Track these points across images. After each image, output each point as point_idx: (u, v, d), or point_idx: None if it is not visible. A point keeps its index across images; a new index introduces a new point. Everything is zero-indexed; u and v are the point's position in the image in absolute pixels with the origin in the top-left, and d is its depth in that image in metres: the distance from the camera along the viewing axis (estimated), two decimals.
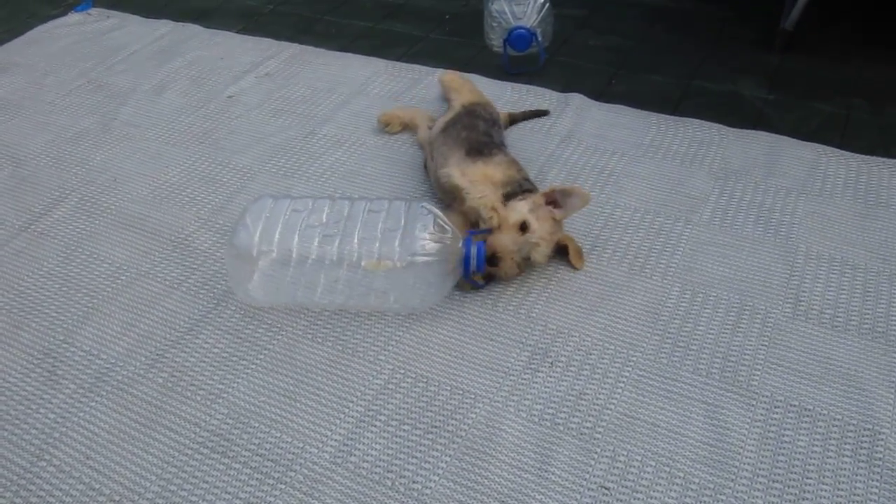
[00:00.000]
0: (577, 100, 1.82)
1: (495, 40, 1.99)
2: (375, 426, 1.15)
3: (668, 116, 1.76)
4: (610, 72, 1.95)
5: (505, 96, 1.86)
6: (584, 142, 1.69)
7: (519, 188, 1.39)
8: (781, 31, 2.00)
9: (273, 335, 1.29)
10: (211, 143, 1.75)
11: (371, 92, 1.91)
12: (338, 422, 1.16)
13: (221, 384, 1.22)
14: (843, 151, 1.64)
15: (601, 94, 1.86)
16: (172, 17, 2.28)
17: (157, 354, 1.27)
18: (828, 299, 1.31)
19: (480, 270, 1.29)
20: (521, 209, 1.33)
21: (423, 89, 1.91)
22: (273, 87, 1.94)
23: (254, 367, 1.24)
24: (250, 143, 1.75)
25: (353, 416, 1.16)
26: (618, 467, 1.08)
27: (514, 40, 1.92)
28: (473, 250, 1.27)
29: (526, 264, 1.35)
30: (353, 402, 1.19)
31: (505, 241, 1.30)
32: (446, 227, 1.26)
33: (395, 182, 1.61)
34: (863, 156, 1.62)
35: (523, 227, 1.31)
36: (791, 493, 1.05)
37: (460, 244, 1.27)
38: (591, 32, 2.14)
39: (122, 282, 1.41)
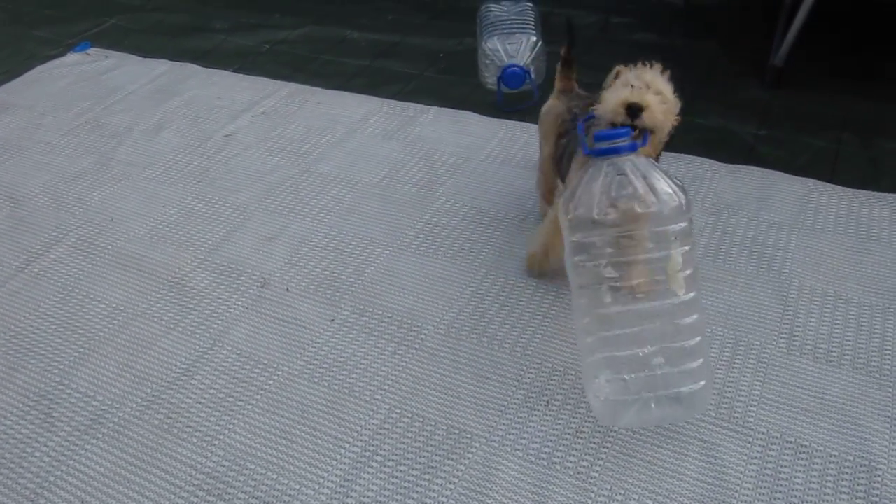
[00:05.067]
0: None
1: (489, 78, 2.02)
2: (372, 466, 1.15)
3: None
4: None
5: (499, 133, 1.88)
6: None
7: None
8: (771, 66, 2.03)
9: (269, 376, 1.29)
10: (208, 182, 1.77)
11: (367, 130, 1.93)
12: (334, 462, 1.16)
13: (218, 425, 1.22)
14: (833, 185, 1.66)
15: None
16: (169, 57, 2.31)
17: (153, 396, 1.27)
18: (821, 334, 1.32)
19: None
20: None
21: (418, 127, 1.93)
22: (269, 126, 1.96)
23: (250, 407, 1.24)
24: (247, 181, 1.76)
25: (349, 457, 1.16)
26: None
27: (508, 78, 1.95)
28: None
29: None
30: (349, 442, 1.18)
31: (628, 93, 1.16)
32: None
33: (391, 220, 1.62)
34: (853, 189, 1.64)
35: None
36: None
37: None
38: (583, 70, 2.15)
39: (119, 322, 1.41)
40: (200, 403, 1.25)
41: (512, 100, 1.99)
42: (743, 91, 2.01)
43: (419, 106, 2.01)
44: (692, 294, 1.11)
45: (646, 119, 1.15)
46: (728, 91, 2.02)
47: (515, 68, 1.94)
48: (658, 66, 1.21)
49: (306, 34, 2.44)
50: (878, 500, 1.08)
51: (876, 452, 1.13)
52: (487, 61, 2.00)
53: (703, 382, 1.12)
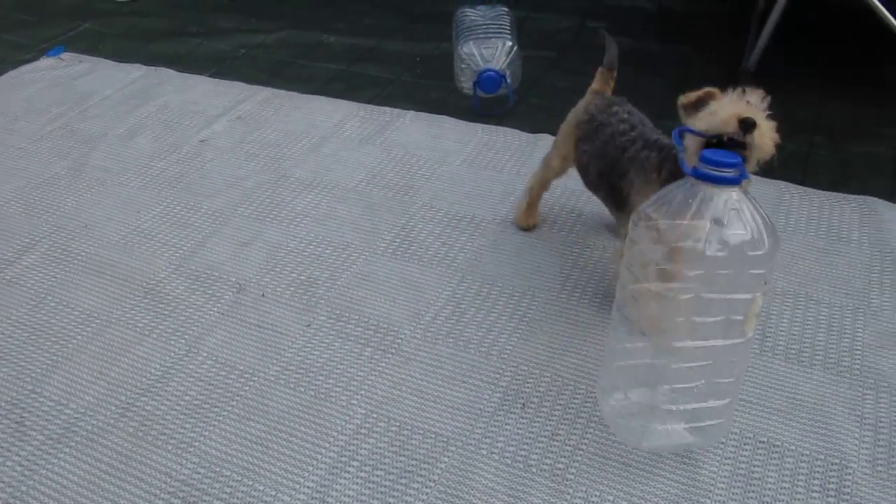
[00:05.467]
0: (546, 141, 1.85)
1: (465, 82, 2.02)
2: (349, 472, 1.15)
3: None
4: None
5: (475, 138, 1.89)
6: (554, 182, 1.71)
7: None
8: (743, 71, 2.05)
9: (245, 382, 1.29)
10: (183, 188, 1.76)
11: (343, 135, 1.93)
12: (311, 468, 1.15)
13: (193, 432, 1.21)
14: (805, 188, 1.68)
15: None
16: (144, 62, 2.30)
17: (128, 403, 1.26)
18: (793, 335, 1.33)
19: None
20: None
21: (394, 132, 1.93)
22: (245, 131, 1.96)
23: (225, 414, 1.24)
24: (222, 186, 1.76)
25: (325, 463, 1.16)
26: None
27: (484, 82, 1.96)
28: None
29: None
30: (325, 447, 1.18)
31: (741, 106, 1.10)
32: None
33: (367, 225, 1.62)
34: (824, 192, 1.66)
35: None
36: None
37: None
38: (559, 74, 2.18)
39: (92, 329, 1.40)
40: (175, 410, 1.25)
41: (488, 104, 2.00)
42: None
43: (396, 110, 2.02)
44: (750, 334, 1.08)
45: (756, 137, 1.07)
46: None
47: (491, 73, 1.95)
48: (760, 92, 1.13)
49: (283, 38, 2.44)
50: (848, 497, 1.09)
51: (847, 451, 1.15)
52: (463, 66, 2.01)
53: (723, 419, 1.12)
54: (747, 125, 1.07)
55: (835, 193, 1.66)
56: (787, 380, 1.26)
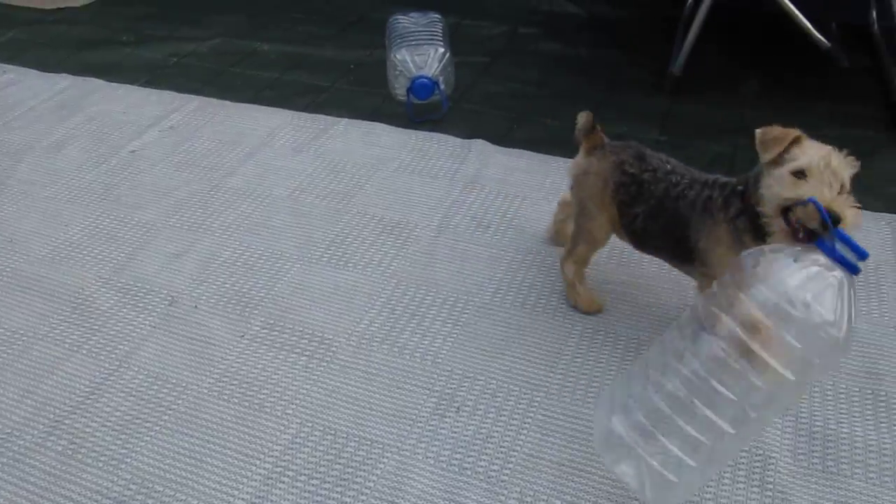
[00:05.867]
0: (479, 146, 1.87)
1: (399, 89, 2.03)
2: (283, 482, 1.14)
3: (567, 159, 1.81)
4: (511, 117, 2.02)
5: (409, 144, 1.90)
6: (488, 187, 1.74)
7: None
8: (670, 75, 2.11)
9: (178, 395, 1.27)
10: (112, 200, 1.73)
11: (277, 143, 1.92)
12: (245, 480, 1.15)
13: (124, 448, 1.19)
14: None
15: (503, 139, 1.92)
16: (73, 72, 2.25)
17: (56, 421, 1.24)
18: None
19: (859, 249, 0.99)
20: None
21: (328, 140, 1.93)
22: (177, 141, 1.93)
23: (157, 429, 1.22)
24: (153, 198, 1.73)
25: (260, 474, 1.15)
26: None
27: (417, 89, 1.97)
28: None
29: None
30: (260, 459, 1.18)
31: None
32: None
33: (301, 234, 1.61)
34: None
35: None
36: None
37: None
38: (492, 80, 2.20)
39: (19, 347, 1.37)
40: (106, 427, 1.23)
41: (422, 110, 2.01)
42: (645, 99, 2.08)
43: (330, 118, 2.01)
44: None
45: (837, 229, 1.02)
46: (631, 99, 2.09)
47: (424, 79, 1.96)
48: (844, 155, 1.09)
49: (215, 47, 2.42)
50: (772, 486, 1.13)
51: (769, 442, 1.19)
52: (396, 72, 2.02)
53: (690, 485, 1.07)
54: (834, 220, 1.01)
55: None
56: None
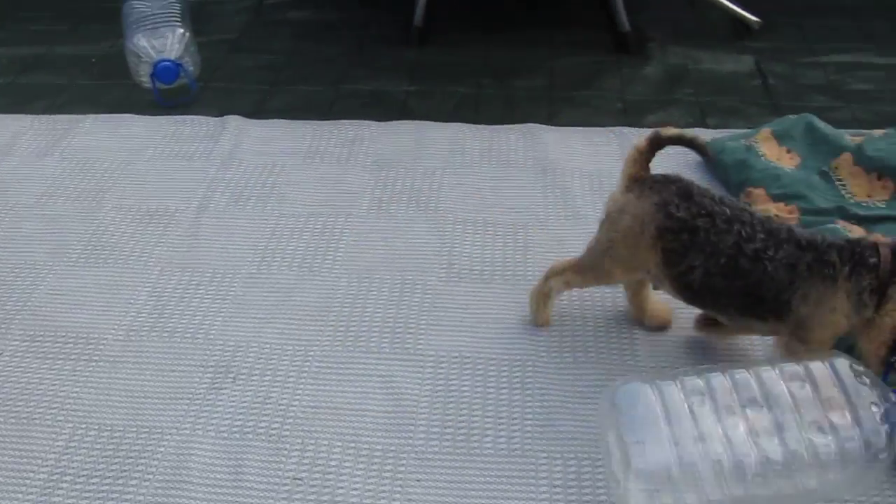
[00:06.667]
0: (234, 121, 1.87)
1: (143, 76, 1.98)
2: (62, 489, 1.11)
3: (321, 122, 1.86)
4: (264, 89, 2.02)
5: (162, 130, 1.86)
6: (245, 160, 1.74)
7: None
8: (415, 28, 2.19)
9: None
10: None
11: (18, 151, 1.81)
12: (20, 496, 1.11)
13: None
14: (477, 125, 1.84)
15: (258, 112, 1.92)
16: None
17: None
18: (475, 258, 1.47)
19: None
20: None
21: (75, 139, 1.84)
22: None
23: None
24: None
25: (36, 485, 1.12)
26: (308, 457, 1.14)
27: (161, 73, 1.92)
28: None
29: None
30: (34, 471, 1.14)
31: None
32: (887, 393, 1.00)
33: (54, 239, 1.55)
34: (493, 126, 1.84)
35: None
36: (462, 433, 1.17)
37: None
38: (242, 55, 2.19)
39: None
40: None
41: (170, 95, 1.97)
42: (393, 53, 2.15)
43: (75, 117, 1.93)
44: None
45: None
46: (379, 55, 2.15)
47: (167, 63, 1.92)
48: None
49: None
50: (530, 388, 1.23)
51: (527, 346, 1.30)
52: (138, 59, 1.96)
53: None
54: None
55: (502, 126, 1.83)
56: (473, 299, 1.39)
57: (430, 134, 1.81)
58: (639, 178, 1.20)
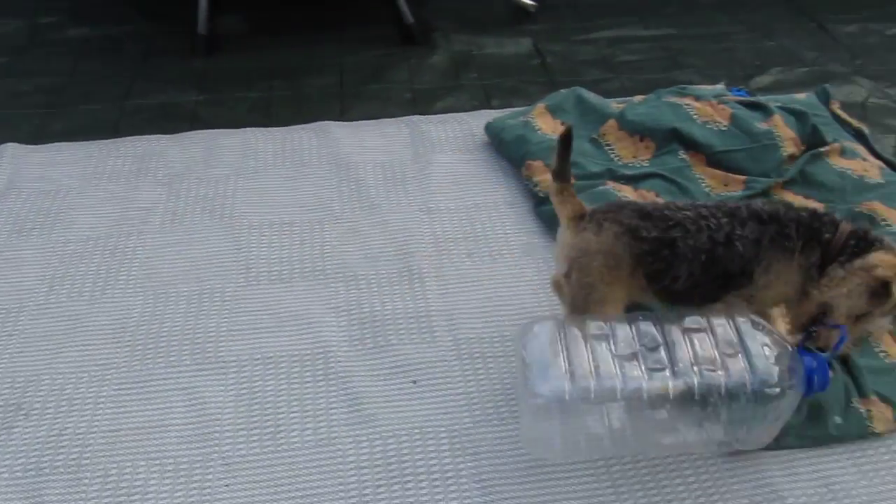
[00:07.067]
0: (10, 149, 1.77)
1: None
2: None
3: (107, 141, 1.80)
4: (42, 113, 1.93)
5: None
6: (26, 189, 1.66)
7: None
8: (200, 36, 2.15)
9: None
10: None
11: None
12: None
13: None
14: (269, 129, 1.85)
15: (38, 137, 1.83)
16: None
17: None
18: (273, 259, 1.49)
19: (825, 386, 1.09)
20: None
21: None
22: None
23: None
24: None
25: None
26: (111, 483, 1.12)
27: None
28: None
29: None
30: None
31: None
32: (782, 341, 1.09)
33: None
34: (286, 127, 1.85)
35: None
36: (269, 432, 1.19)
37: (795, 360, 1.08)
38: (16, 79, 2.08)
39: None
40: None
41: None
42: (180, 64, 2.11)
43: None
44: None
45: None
46: (165, 68, 2.11)
47: None
48: None
49: None
50: (334, 374, 1.27)
51: (329, 338, 1.33)
52: None
53: None
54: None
55: (295, 126, 1.85)
56: (273, 299, 1.41)
57: (221, 142, 1.80)
58: (581, 215, 1.18)
